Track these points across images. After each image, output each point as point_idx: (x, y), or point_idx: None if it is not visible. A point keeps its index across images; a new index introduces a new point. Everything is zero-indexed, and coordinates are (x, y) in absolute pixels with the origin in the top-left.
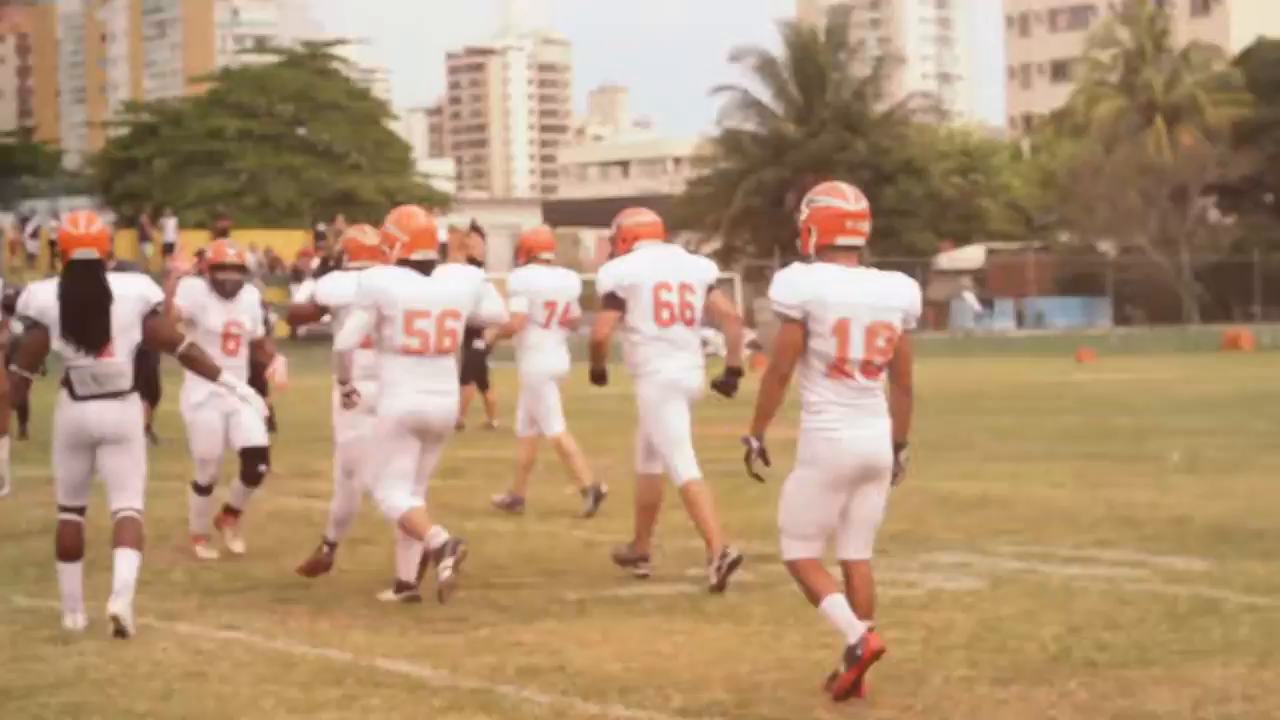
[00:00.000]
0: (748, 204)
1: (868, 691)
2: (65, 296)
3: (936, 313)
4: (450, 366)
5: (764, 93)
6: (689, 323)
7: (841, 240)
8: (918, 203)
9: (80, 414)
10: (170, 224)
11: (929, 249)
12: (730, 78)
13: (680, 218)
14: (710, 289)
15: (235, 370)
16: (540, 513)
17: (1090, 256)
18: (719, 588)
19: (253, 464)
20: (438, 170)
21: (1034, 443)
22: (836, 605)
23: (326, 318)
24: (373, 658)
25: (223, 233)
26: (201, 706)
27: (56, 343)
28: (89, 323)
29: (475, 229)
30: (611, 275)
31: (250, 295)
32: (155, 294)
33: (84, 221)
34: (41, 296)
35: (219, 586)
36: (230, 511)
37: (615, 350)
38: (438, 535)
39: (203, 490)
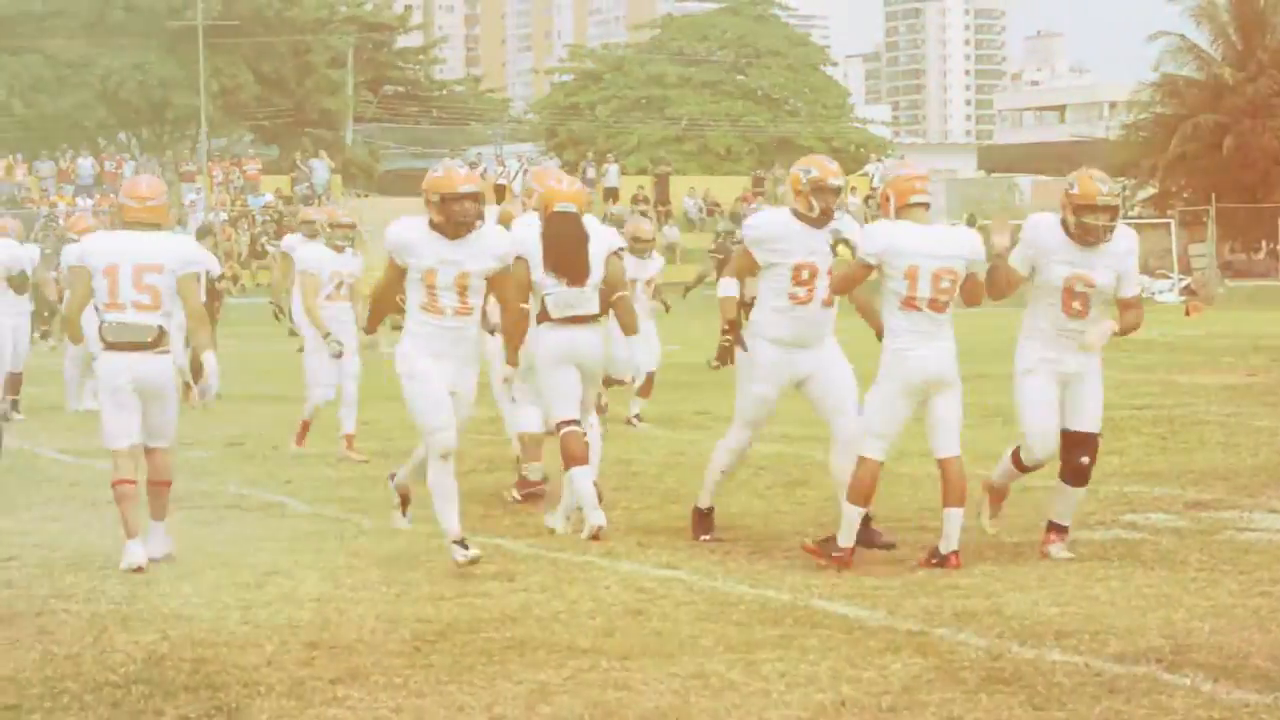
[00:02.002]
0: (1184, 149)
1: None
2: (548, 238)
3: None
4: None
5: (1202, 37)
6: None
7: (914, 199)
8: None
9: (560, 335)
10: (613, 170)
11: None
12: (1168, 23)
13: (1116, 163)
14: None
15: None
16: (975, 455)
17: None
18: None
19: (1073, 454)
20: (874, 116)
21: None
22: (855, 516)
23: None
24: (810, 598)
25: (662, 179)
26: (642, 643)
27: (536, 274)
28: (572, 258)
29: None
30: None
31: None
32: (619, 241)
33: (566, 182)
34: (527, 238)
35: (658, 526)
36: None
37: None
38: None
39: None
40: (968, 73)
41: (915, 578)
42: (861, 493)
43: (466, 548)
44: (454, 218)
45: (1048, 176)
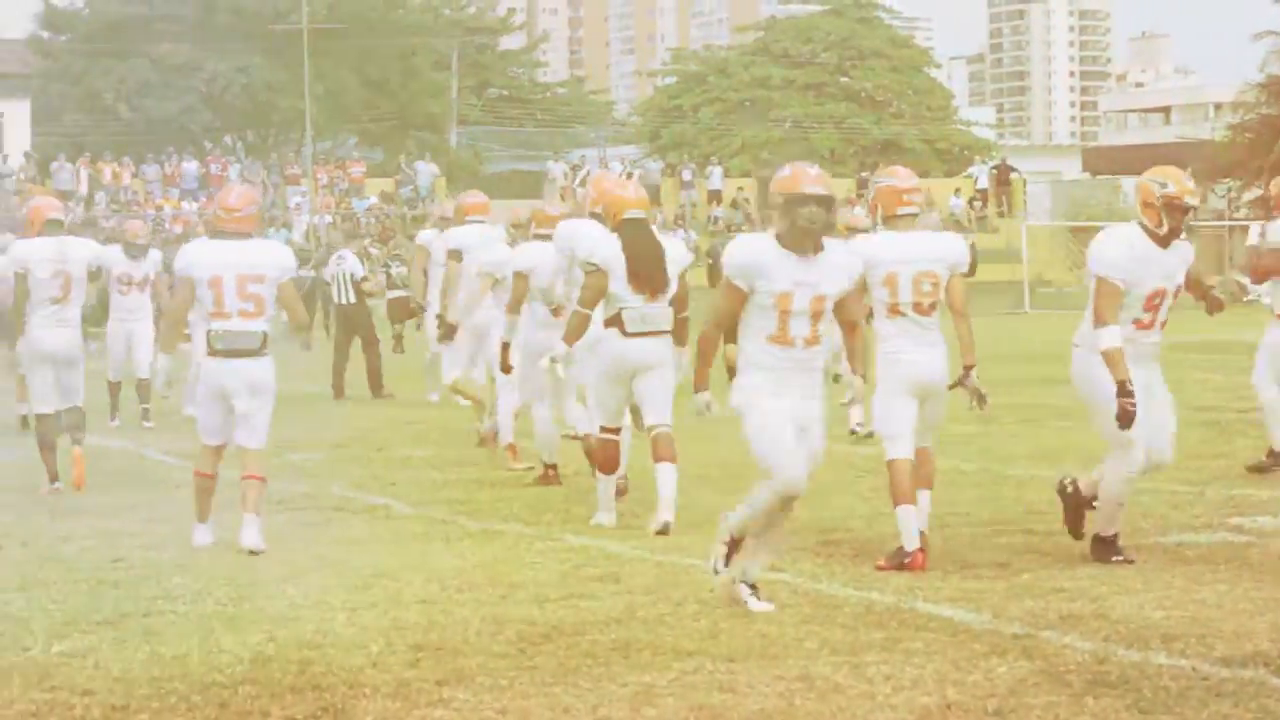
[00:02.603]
0: None
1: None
2: (629, 249)
3: None
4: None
5: None
6: None
7: (900, 210)
8: None
9: (625, 349)
10: (716, 172)
11: None
12: (1273, 23)
13: (1221, 164)
14: None
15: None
16: (1084, 458)
17: None
18: None
19: None
20: (979, 118)
21: None
22: (908, 514)
23: None
24: (914, 601)
25: (766, 181)
26: (747, 646)
27: (615, 285)
28: (652, 271)
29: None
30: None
31: None
32: (688, 258)
33: (631, 188)
34: (606, 248)
35: None
36: None
37: None
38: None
39: None
40: (1072, 74)
41: (1020, 581)
42: (901, 494)
43: (756, 594)
44: (798, 221)
45: None
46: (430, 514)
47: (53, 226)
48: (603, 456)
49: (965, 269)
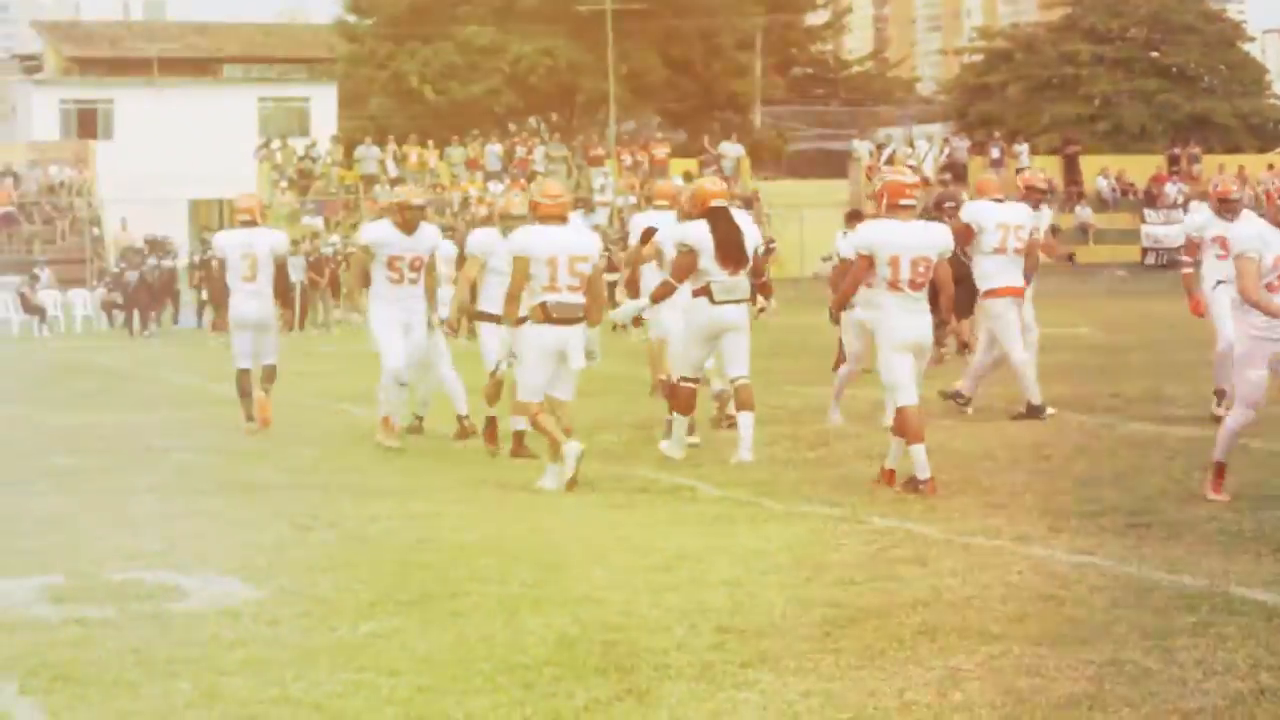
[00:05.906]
0: None
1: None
2: (714, 231)
3: None
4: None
5: None
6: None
7: (901, 201)
8: None
9: (718, 315)
10: (1023, 150)
11: None
12: None
13: None
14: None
15: None
16: None
17: None
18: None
19: None
20: None
21: None
22: (921, 451)
23: None
24: (1227, 584)
25: (1071, 159)
26: (1055, 630)
27: (704, 262)
28: (733, 248)
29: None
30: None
31: None
32: (759, 237)
33: (717, 184)
34: (696, 232)
35: (1071, 510)
36: None
37: None
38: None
39: None
40: None
41: None
42: (914, 433)
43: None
44: None
45: None
46: (734, 495)
47: (244, 222)
48: (683, 401)
49: (950, 254)
